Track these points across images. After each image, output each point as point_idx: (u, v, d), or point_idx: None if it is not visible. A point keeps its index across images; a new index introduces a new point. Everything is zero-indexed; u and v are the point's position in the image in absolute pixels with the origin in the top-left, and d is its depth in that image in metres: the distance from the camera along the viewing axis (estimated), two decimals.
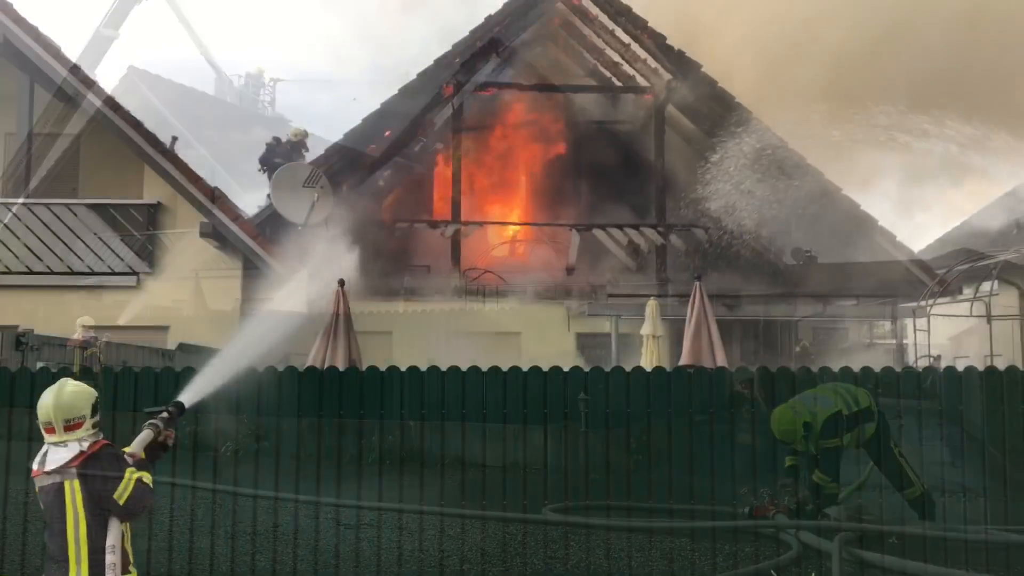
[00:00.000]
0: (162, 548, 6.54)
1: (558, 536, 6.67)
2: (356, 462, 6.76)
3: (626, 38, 15.40)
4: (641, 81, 15.86)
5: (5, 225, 12.61)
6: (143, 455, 4.45)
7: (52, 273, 12.58)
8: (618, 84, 16.73)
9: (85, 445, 4.26)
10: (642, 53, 15.33)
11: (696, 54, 14.71)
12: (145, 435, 4.53)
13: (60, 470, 4.22)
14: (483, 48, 15.35)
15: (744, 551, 6.52)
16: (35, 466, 4.30)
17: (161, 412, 4.63)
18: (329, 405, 6.81)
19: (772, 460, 6.93)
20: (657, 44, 14.82)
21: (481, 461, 6.78)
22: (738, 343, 14.08)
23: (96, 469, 4.23)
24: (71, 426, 4.29)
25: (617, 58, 16.48)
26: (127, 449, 4.46)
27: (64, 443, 4.27)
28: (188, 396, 5.00)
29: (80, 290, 12.56)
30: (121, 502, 4.23)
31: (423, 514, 6.64)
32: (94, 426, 4.35)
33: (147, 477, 4.35)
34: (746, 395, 7.00)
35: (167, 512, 6.67)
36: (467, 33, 15.07)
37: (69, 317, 12.03)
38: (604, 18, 15.51)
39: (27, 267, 12.57)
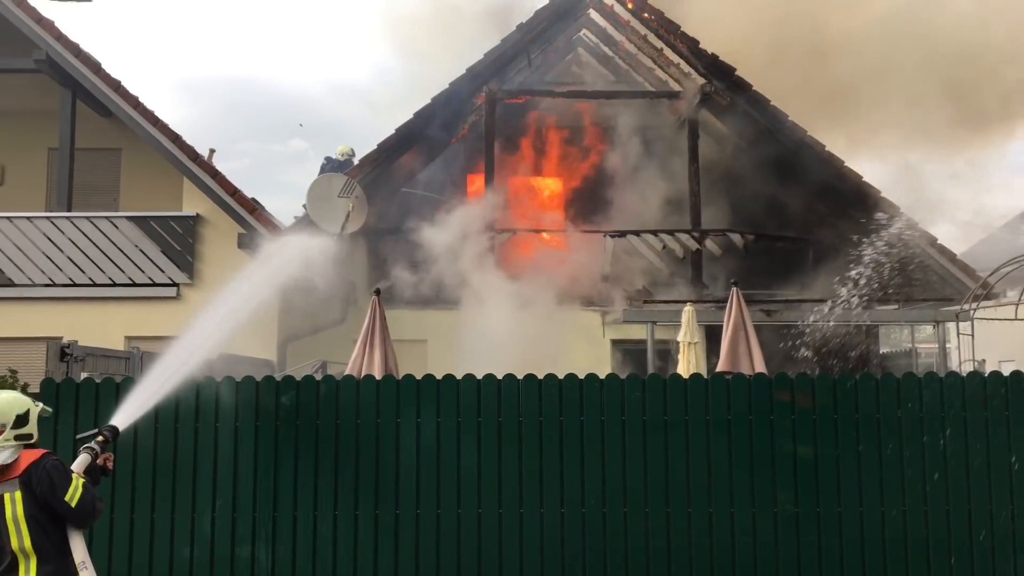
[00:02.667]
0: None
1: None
2: (394, 472, 6.77)
3: (659, 43, 15.33)
4: (674, 86, 15.77)
5: (49, 239, 12.87)
6: (83, 478, 4.44)
7: (95, 285, 12.81)
8: (651, 89, 16.66)
9: (3, 457, 4.23)
10: (675, 58, 15.25)
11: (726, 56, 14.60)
12: (83, 459, 4.58)
13: (1, 481, 4.20)
14: (515, 56, 15.37)
15: None
16: None
17: (96, 436, 4.72)
18: (367, 411, 6.84)
19: (813, 468, 6.82)
20: (690, 48, 14.73)
21: (518, 469, 6.77)
22: (776, 349, 13.91)
23: (43, 475, 4.22)
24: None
25: (650, 63, 16.41)
26: None
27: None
28: (121, 418, 5.12)
29: (122, 301, 12.78)
30: (72, 504, 4.22)
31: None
32: (16, 438, 4.32)
33: (86, 482, 4.36)
34: (787, 402, 6.91)
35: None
36: (499, 41, 15.08)
37: (112, 328, 12.26)
38: (636, 23, 15.45)
39: (70, 279, 12.81)
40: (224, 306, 6.52)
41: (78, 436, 4.89)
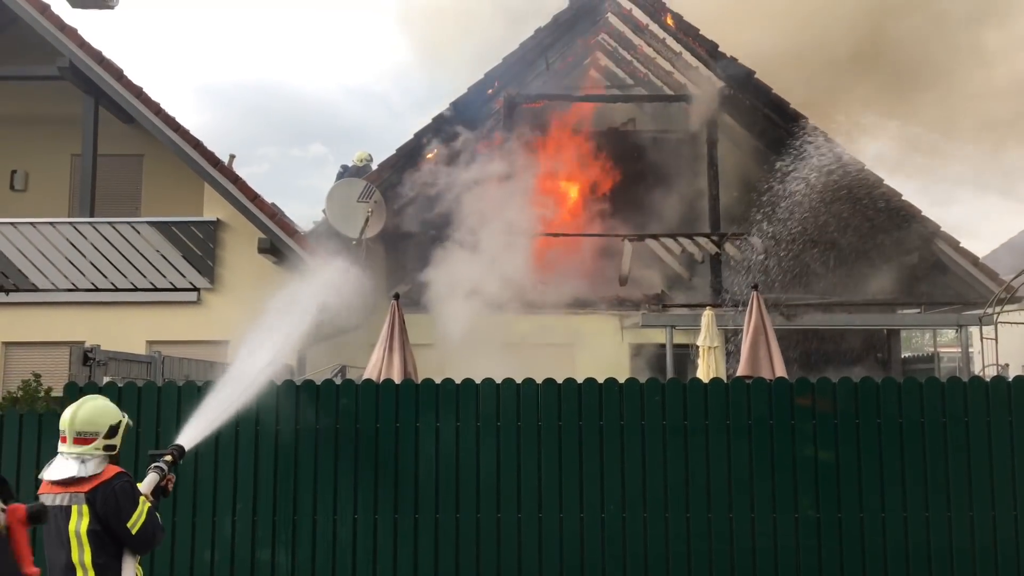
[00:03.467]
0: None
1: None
2: (413, 476, 6.78)
3: (677, 46, 15.30)
4: (692, 89, 15.73)
5: (72, 244, 13.00)
6: (149, 500, 4.40)
7: (117, 290, 12.93)
8: (669, 93, 16.63)
9: (90, 467, 4.18)
10: (693, 61, 15.22)
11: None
12: (152, 478, 4.49)
13: (71, 492, 4.13)
14: (533, 60, 15.39)
15: None
16: (43, 475, 4.23)
17: (165, 455, 4.62)
18: (386, 415, 6.85)
19: (834, 474, 6.76)
20: (708, 51, 14.69)
21: (537, 474, 6.76)
22: (801, 354, 13.83)
23: (111, 496, 4.14)
24: (80, 439, 4.23)
25: (668, 67, 16.38)
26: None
27: (67, 455, 4.21)
28: (187, 437, 5.05)
29: (144, 306, 12.89)
30: (134, 531, 4.14)
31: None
32: (106, 448, 4.27)
33: (152, 507, 4.26)
34: (808, 407, 6.85)
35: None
36: (517, 46, 15.11)
37: (134, 332, 12.37)
38: (655, 27, 15.43)
39: (93, 284, 12.93)
40: (284, 324, 6.55)
41: (151, 452, 4.79)
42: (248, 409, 6.74)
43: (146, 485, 4.44)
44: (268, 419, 6.82)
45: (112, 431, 4.32)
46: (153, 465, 4.57)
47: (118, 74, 12.84)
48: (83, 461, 4.20)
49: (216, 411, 5.56)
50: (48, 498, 4.14)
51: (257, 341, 6.20)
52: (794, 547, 6.68)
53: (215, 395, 5.82)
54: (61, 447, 4.25)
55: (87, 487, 4.15)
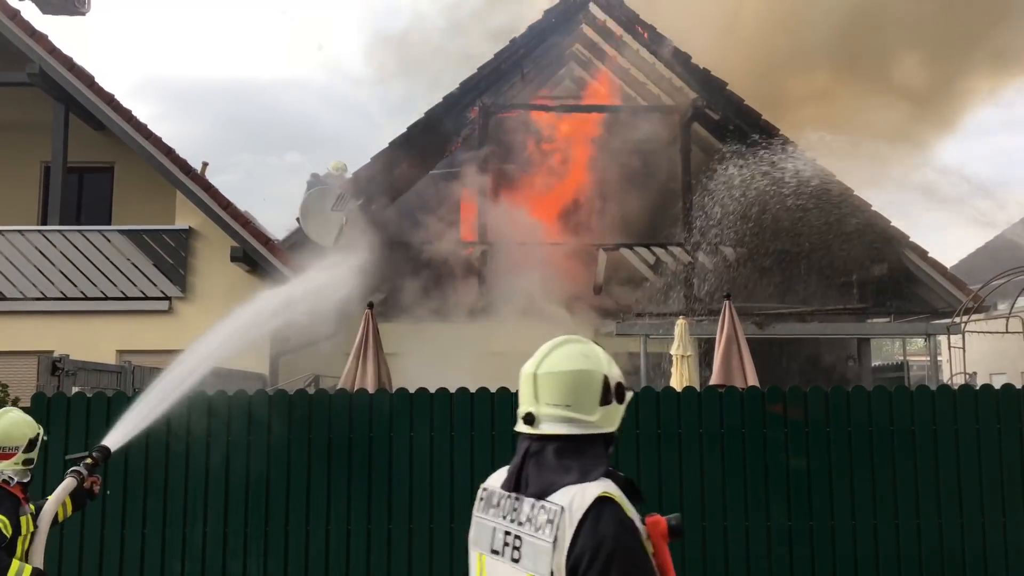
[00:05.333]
0: None
1: None
2: (386, 486, 6.76)
3: (651, 57, 15.43)
4: (666, 100, 15.87)
5: (41, 252, 12.84)
6: (68, 502, 4.29)
7: (87, 299, 12.77)
8: (643, 103, 16.75)
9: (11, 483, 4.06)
10: (667, 72, 15.35)
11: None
12: (68, 483, 4.34)
13: None
14: (508, 70, 15.45)
15: None
16: None
17: (84, 458, 4.49)
18: (360, 425, 6.82)
19: (806, 481, 6.82)
20: (682, 62, 14.83)
21: None
22: (772, 362, 13.95)
23: None
24: (1, 455, 4.12)
25: (642, 77, 16.51)
26: (50, 497, 4.27)
27: None
28: (114, 438, 4.85)
29: (114, 315, 12.74)
30: None
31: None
32: (25, 463, 4.17)
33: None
34: (779, 415, 6.91)
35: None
36: (492, 56, 15.17)
37: (104, 342, 12.22)
38: (629, 38, 15.55)
39: (62, 293, 12.77)
40: (225, 329, 6.45)
41: (67, 457, 4.64)
42: (219, 419, 6.69)
43: (61, 489, 4.30)
44: (240, 429, 6.76)
45: (31, 444, 4.21)
46: (71, 470, 4.42)
47: (89, 81, 12.72)
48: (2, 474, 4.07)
49: (144, 413, 5.37)
50: None
51: (202, 343, 6.12)
52: (766, 554, 6.72)
53: (146, 396, 5.65)
54: None
55: None
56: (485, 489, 2.52)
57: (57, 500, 4.29)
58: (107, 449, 4.65)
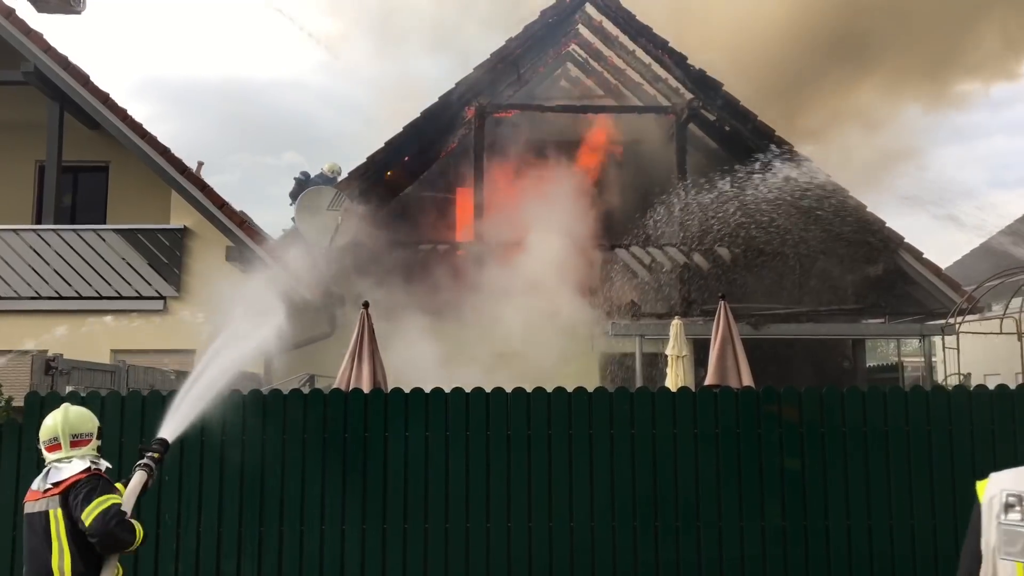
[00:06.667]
0: None
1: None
2: (381, 486, 6.75)
3: (647, 58, 15.43)
4: (663, 101, 15.87)
5: (36, 251, 12.80)
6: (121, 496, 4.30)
7: (81, 298, 12.74)
8: (639, 104, 16.76)
9: (73, 468, 4.11)
10: (663, 72, 15.35)
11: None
12: (140, 477, 4.41)
13: (48, 496, 4.04)
14: (504, 70, 15.44)
15: None
16: (34, 486, 4.15)
17: (152, 452, 4.55)
18: (355, 425, 6.81)
19: (800, 482, 6.83)
20: (678, 63, 14.84)
21: (506, 483, 6.75)
22: (768, 362, 13.97)
23: (77, 490, 4.04)
24: (77, 442, 4.21)
25: (638, 78, 16.51)
26: (125, 492, 4.32)
27: (70, 459, 4.15)
28: (169, 430, 4.90)
29: (108, 315, 12.71)
30: (87, 522, 3.94)
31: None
32: (98, 449, 4.31)
33: (124, 507, 4.10)
34: (774, 415, 6.92)
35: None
36: (488, 55, 15.16)
37: (98, 341, 12.19)
38: (625, 38, 15.55)
39: (57, 292, 12.74)
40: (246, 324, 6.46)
41: (140, 446, 4.72)
42: (213, 419, 6.68)
43: (134, 485, 4.36)
44: (234, 429, 6.75)
45: (100, 432, 4.39)
46: (142, 463, 4.47)
47: (84, 79, 12.69)
48: (69, 462, 4.15)
49: (197, 398, 5.38)
50: (29, 505, 4.10)
51: (235, 334, 6.12)
52: (760, 555, 6.73)
53: (196, 381, 5.62)
54: (52, 456, 4.18)
55: (62, 488, 4.07)
56: (1014, 495, 2.26)
57: (133, 493, 4.34)
58: (167, 442, 4.74)
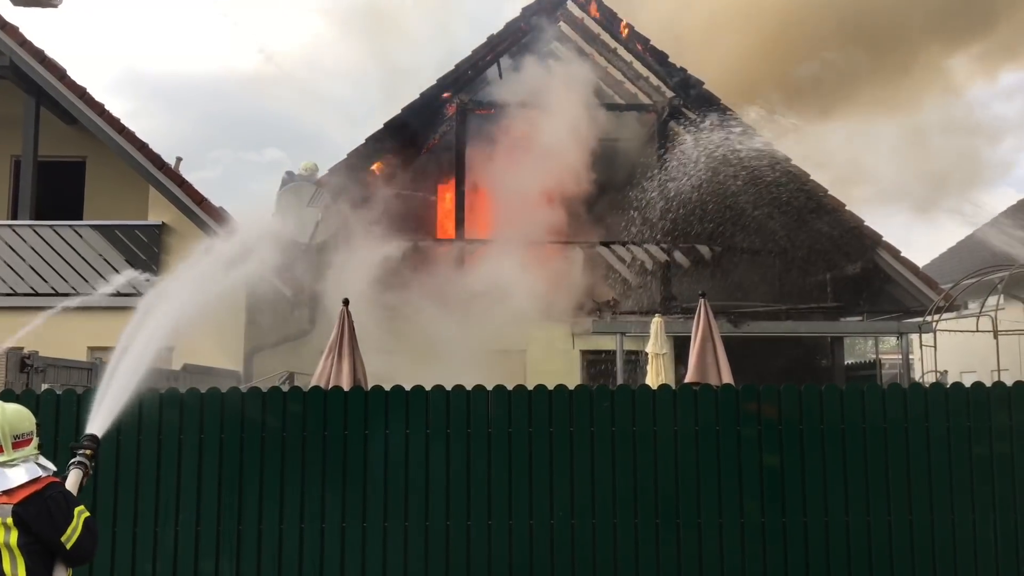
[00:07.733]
0: None
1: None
2: (362, 484, 6.72)
3: (628, 56, 15.46)
4: (643, 99, 15.91)
5: (11, 247, 12.65)
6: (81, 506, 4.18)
7: (57, 295, 12.59)
8: (621, 102, 16.78)
9: (19, 474, 3.98)
10: (644, 71, 15.39)
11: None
12: (76, 475, 4.30)
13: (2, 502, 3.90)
14: (485, 67, 15.42)
15: None
16: None
17: (84, 449, 4.42)
18: (335, 422, 6.78)
19: (779, 479, 6.87)
20: (659, 61, 14.88)
21: (487, 481, 6.75)
22: (748, 360, 14.05)
23: (43, 510, 3.92)
24: (20, 443, 4.06)
25: (620, 76, 16.54)
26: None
27: (14, 462, 4.01)
28: (98, 424, 4.74)
29: (85, 311, 12.55)
30: (69, 546, 3.92)
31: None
32: (38, 447, 4.15)
33: (89, 517, 4.04)
34: (754, 413, 6.95)
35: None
36: (469, 52, 15.14)
37: (74, 338, 12.05)
38: (606, 36, 15.57)
39: (32, 289, 12.60)
40: (175, 299, 6.30)
41: (72, 444, 4.51)
42: (192, 416, 6.63)
43: (71, 485, 4.23)
44: (212, 426, 6.70)
45: (38, 428, 4.19)
46: (75, 461, 4.36)
47: (60, 73, 12.55)
48: (13, 467, 3.99)
49: (118, 392, 5.13)
50: None
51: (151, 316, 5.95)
52: (740, 552, 6.76)
53: (112, 376, 5.45)
54: None
55: (17, 497, 3.94)
56: None
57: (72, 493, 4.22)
58: (97, 438, 4.58)
